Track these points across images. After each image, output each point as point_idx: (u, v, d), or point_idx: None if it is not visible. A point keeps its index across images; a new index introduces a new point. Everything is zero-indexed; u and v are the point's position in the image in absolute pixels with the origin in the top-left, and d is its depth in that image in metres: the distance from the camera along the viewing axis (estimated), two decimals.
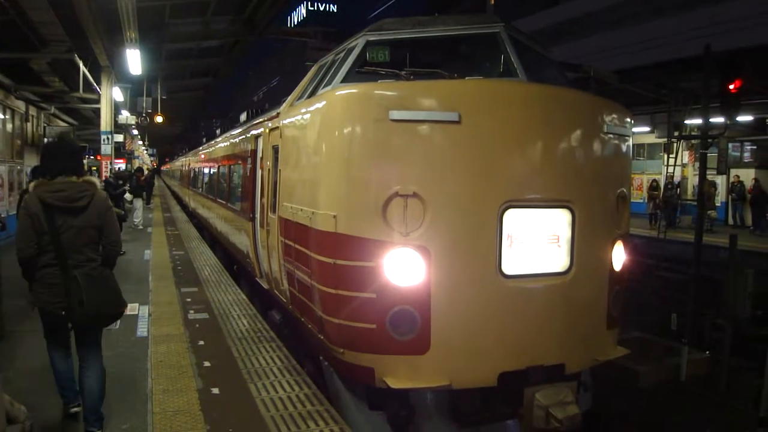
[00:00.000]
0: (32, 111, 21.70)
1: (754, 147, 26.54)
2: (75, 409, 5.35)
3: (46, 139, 20.92)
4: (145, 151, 59.64)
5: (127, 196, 18.94)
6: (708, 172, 17.24)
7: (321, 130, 5.86)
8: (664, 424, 10.33)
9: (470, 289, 5.40)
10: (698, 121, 19.14)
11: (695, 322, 13.66)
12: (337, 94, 5.74)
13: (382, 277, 5.23)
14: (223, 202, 13.86)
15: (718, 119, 18.11)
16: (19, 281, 5.29)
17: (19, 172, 18.53)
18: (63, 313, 4.88)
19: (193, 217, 24.45)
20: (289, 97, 8.12)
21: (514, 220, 5.51)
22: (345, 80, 6.14)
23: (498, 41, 6.22)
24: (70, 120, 28.56)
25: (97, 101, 19.74)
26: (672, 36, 22.60)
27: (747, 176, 24.18)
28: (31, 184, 5.25)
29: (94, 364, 5.13)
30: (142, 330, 8.13)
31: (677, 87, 21.00)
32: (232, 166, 12.97)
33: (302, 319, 6.52)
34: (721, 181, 24.91)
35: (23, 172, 18.06)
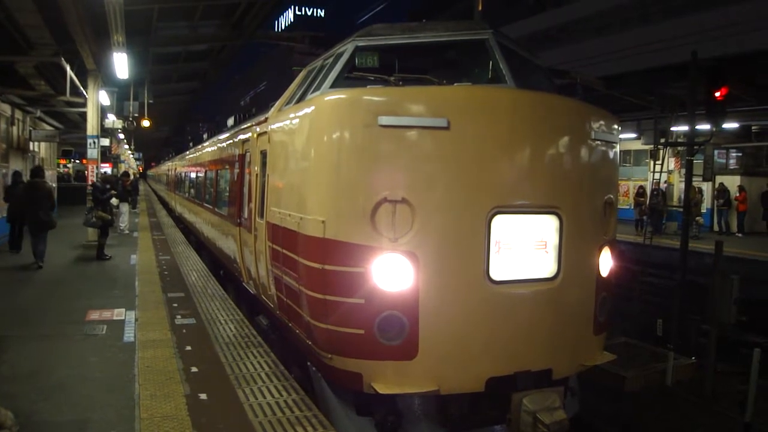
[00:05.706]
0: (18, 114, 21.53)
1: (740, 154, 26.77)
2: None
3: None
4: (132, 156, 59.27)
5: (114, 200, 18.80)
6: (694, 178, 17.37)
7: (310, 135, 5.86)
8: (650, 428, 10.38)
9: (458, 294, 5.41)
10: (684, 128, 19.28)
11: (681, 327, 13.75)
12: (326, 99, 5.73)
13: (370, 283, 5.23)
14: (210, 206, 13.80)
15: (704, 126, 18.30)
16: None
17: (4, 176, 18.38)
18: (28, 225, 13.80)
19: (179, 221, 24.32)
20: (278, 102, 8.11)
21: (502, 226, 5.53)
22: (334, 85, 6.15)
23: (487, 48, 6.25)
24: (56, 123, 28.33)
25: (84, 105, 19.52)
26: (659, 42, 22.77)
27: (732, 183, 24.38)
28: (25, 179, 15.95)
29: (36, 243, 13.41)
30: (128, 335, 8.08)
31: (664, 94, 21.14)
32: (219, 171, 12.92)
33: (290, 325, 6.50)
34: (706, 187, 25.10)
35: (8, 175, 17.90)
